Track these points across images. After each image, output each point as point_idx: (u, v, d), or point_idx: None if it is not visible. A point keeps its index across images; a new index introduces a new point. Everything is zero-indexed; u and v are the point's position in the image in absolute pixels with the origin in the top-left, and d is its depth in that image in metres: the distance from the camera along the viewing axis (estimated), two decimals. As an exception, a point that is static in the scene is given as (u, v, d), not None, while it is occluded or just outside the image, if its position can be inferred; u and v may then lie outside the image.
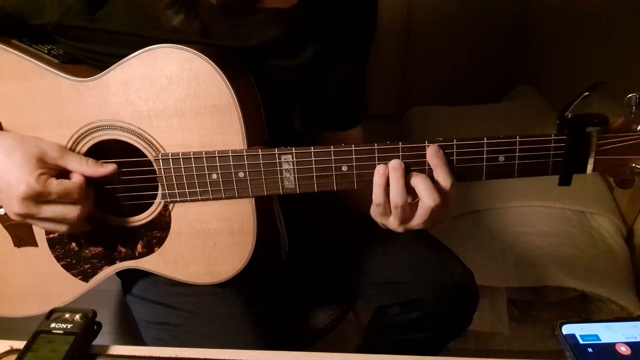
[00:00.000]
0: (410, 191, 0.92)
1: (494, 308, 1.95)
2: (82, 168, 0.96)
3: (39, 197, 0.90)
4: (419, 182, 0.91)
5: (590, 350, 0.70)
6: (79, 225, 0.97)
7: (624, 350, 0.70)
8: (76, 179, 0.96)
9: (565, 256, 1.91)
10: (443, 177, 0.91)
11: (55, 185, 0.91)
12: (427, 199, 0.90)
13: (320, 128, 1.25)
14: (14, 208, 0.91)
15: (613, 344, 0.71)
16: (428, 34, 3.28)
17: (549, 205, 2.11)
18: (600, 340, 0.72)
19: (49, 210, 0.92)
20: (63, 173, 0.96)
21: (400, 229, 0.97)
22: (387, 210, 0.94)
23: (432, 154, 0.91)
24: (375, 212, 0.97)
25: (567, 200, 2.11)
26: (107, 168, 0.97)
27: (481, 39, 3.26)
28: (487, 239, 2.03)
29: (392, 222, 0.96)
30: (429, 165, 0.92)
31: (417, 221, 0.94)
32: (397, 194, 0.91)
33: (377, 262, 1.27)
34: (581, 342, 0.72)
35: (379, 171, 0.92)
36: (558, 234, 2.01)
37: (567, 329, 0.73)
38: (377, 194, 0.93)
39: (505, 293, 1.96)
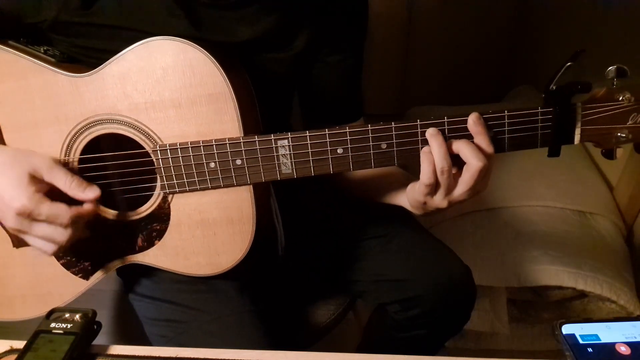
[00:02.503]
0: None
1: (494, 308, 1.95)
2: (66, 188, 0.95)
3: (30, 215, 0.91)
4: (462, 146, 0.92)
5: (590, 350, 0.71)
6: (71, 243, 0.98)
7: (623, 350, 0.71)
8: (86, 206, 0.96)
9: (565, 256, 1.91)
10: (486, 144, 0.92)
11: (47, 207, 0.91)
12: (474, 160, 0.90)
13: (321, 123, 1.25)
14: (8, 222, 0.93)
15: (613, 344, 0.71)
16: (428, 34, 3.28)
17: (548, 205, 2.11)
18: (600, 340, 0.72)
19: (39, 229, 0.93)
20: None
21: (444, 203, 0.97)
22: (434, 188, 0.95)
23: (475, 121, 0.91)
24: (420, 193, 0.98)
25: (567, 200, 2.11)
26: (88, 194, 0.96)
27: (481, 38, 3.26)
28: (487, 238, 2.03)
29: (438, 197, 0.97)
30: (422, 143, 0.94)
31: (461, 189, 0.94)
32: (442, 158, 0.92)
33: (376, 259, 1.28)
34: (581, 342, 0.72)
35: (425, 151, 0.93)
36: (558, 234, 2.01)
37: (567, 329, 0.74)
38: (426, 174, 0.94)
39: (505, 293, 1.96)
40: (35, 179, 0.93)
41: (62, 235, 0.93)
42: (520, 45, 3.26)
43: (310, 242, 1.35)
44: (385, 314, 1.34)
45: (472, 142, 0.92)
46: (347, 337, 1.75)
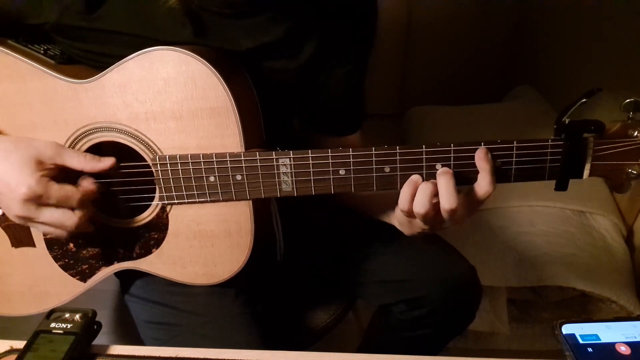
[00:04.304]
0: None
1: (494, 308, 1.96)
2: (81, 164, 0.95)
3: (39, 200, 0.89)
4: (443, 186, 0.91)
5: (590, 350, 0.71)
6: (80, 229, 0.96)
7: (623, 350, 0.71)
8: (85, 184, 0.96)
9: (565, 256, 1.92)
10: (487, 181, 0.90)
11: (56, 189, 0.90)
12: (446, 203, 0.90)
13: (318, 133, 1.25)
14: (14, 210, 0.91)
15: (613, 344, 0.71)
16: (428, 34, 3.28)
17: (548, 205, 2.12)
18: (600, 340, 0.72)
19: (47, 214, 0.91)
20: (64, 173, 0.95)
21: (426, 227, 0.97)
22: (412, 215, 0.95)
23: (481, 157, 0.89)
24: (401, 216, 0.99)
25: (567, 200, 2.11)
26: (105, 162, 0.96)
27: (481, 39, 3.26)
28: (487, 238, 2.03)
29: (418, 222, 0.97)
30: (426, 169, 0.92)
31: (441, 219, 0.94)
32: (421, 204, 0.91)
33: (380, 260, 1.28)
34: (581, 341, 0.72)
35: (412, 179, 0.93)
36: (558, 234, 2.02)
37: (567, 329, 0.74)
38: (402, 201, 0.94)
39: (505, 293, 1.97)
40: (41, 164, 0.92)
41: (72, 218, 0.92)
42: (520, 45, 3.26)
43: (312, 247, 1.35)
44: (389, 314, 1.34)
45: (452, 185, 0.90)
46: (347, 337, 1.76)
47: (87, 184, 0.96)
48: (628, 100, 0.86)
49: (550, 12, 2.90)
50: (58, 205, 0.91)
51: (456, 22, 3.21)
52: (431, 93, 3.30)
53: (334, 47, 1.09)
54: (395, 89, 3.49)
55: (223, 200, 0.98)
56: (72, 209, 0.92)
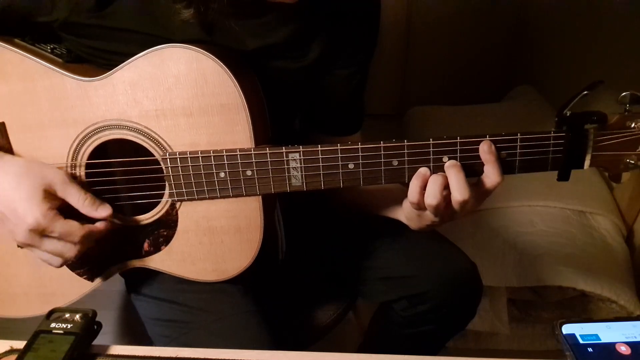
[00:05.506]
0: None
1: (494, 308, 1.96)
2: (79, 205, 0.96)
3: (43, 232, 0.91)
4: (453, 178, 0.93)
5: (590, 350, 0.71)
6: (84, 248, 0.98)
7: (624, 350, 0.71)
8: (96, 225, 0.97)
9: (565, 256, 1.92)
10: (495, 172, 0.92)
11: (60, 224, 0.92)
12: (457, 194, 0.92)
13: (319, 133, 1.26)
14: (18, 237, 0.92)
15: (613, 344, 0.72)
16: (428, 34, 3.28)
17: (549, 205, 2.11)
18: (600, 340, 0.72)
19: (49, 245, 0.93)
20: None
21: (437, 219, 0.99)
22: (421, 206, 0.96)
23: (486, 150, 0.92)
24: (410, 209, 1.00)
25: (567, 200, 2.11)
26: (100, 212, 0.97)
27: (481, 39, 3.26)
28: (487, 238, 2.03)
29: (428, 213, 0.98)
30: (433, 162, 0.94)
31: (452, 211, 0.96)
32: (433, 196, 0.93)
33: (382, 257, 1.28)
34: (581, 341, 0.72)
35: (420, 172, 0.94)
36: (558, 234, 2.02)
37: (567, 329, 0.74)
38: (412, 193, 0.95)
39: (505, 293, 1.96)
40: (49, 195, 0.93)
41: (72, 250, 0.94)
42: (520, 45, 3.26)
43: (313, 245, 1.35)
44: (391, 311, 1.35)
45: (461, 176, 0.92)
46: (347, 337, 1.76)
47: (97, 225, 0.97)
48: (624, 93, 0.89)
49: (550, 12, 2.90)
50: (60, 238, 0.93)
51: (456, 22, 3.21)
52: (431, 93, 3.30)
53: (339, 49, 1.10)
54: (396, 89, 3.48)
55: (233, 196, 0.99)
56: (73, 243, 0.94)
